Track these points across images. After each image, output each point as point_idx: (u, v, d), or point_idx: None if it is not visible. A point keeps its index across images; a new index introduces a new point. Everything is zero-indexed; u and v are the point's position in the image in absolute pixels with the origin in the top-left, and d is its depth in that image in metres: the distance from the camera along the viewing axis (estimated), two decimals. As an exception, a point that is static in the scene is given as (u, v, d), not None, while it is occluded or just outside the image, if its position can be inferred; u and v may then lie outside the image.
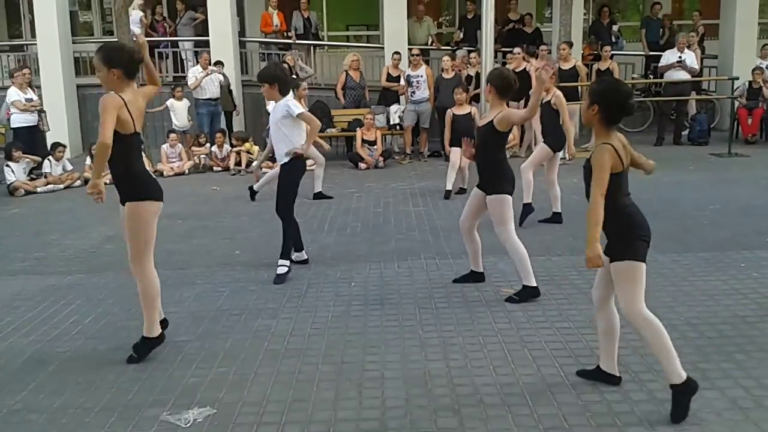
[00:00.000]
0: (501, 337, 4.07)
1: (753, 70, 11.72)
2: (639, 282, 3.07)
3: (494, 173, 4.75)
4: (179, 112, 11.49)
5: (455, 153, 8.33)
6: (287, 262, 5.36)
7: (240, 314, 4.59)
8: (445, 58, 11.19)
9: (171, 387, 3.58)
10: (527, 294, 4.66)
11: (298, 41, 13.09)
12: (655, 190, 7.86)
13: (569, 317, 4.34)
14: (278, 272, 5.28)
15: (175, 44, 13.92)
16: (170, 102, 11.48)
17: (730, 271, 5.08)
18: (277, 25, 13.06)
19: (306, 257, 5.73)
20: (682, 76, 11.66)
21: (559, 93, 6.72)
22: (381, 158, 10.73)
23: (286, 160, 5.35)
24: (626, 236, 3.09)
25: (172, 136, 10.97)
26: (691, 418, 3.06)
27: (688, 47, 11.76)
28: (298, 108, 5.36)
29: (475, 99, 10.87)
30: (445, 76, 11.07)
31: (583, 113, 3.22)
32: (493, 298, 4.73)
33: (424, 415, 3.20)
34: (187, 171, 10.81)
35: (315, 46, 13.73)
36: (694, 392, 3.07)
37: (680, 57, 11.64)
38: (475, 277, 5.11)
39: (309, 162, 9.46)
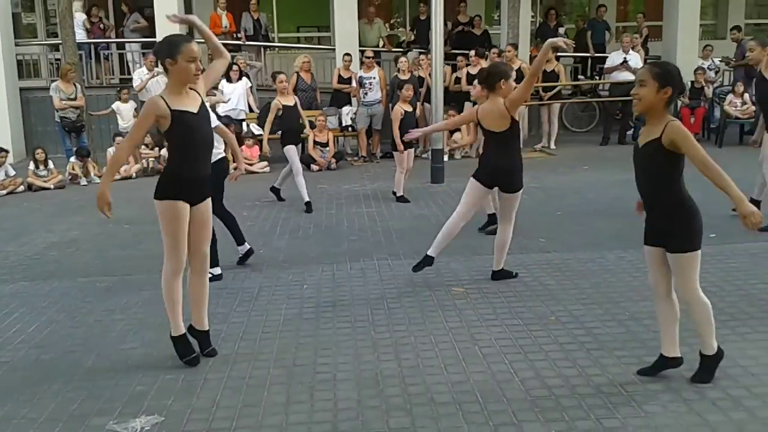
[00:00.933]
0: (452, 335, 4.10)
1: (695, 70, 12.08)
2: (697, 267, 3.25)
3: (515, 168, 4.87)
4: (125, 114, 11.27)
5: (410, 156, 8.33)
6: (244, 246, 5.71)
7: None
8: (403, 59, 11.22)
9: (117, 396, 3.51)
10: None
11: (247, 42, 12.98)
12: (602, 189, 8.04)
13: (518, 314, 4.39)
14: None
15: (121, 46, 13.65)
16: (116, 105, 11.25)
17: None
18: (226, 26, 12.92)
19: (248, 248, 5.73)
20: (627, 77, 11.94)
21: None
22: (333, 160, 10.71)
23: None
24: (687, 227, 3.19)
25: (118, 139, 10.74)
26: (637, 411, 3.14)
27: (633, 48, 12.06)
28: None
29: (426, 100, 10.95)
30: (402, 77, 11.09)
31: (647, 97, 3.15)
32: (446, 298, 4.76)
33: (376, 415, 3.20)
34: (134, 174, 10.60)
35: (265, 47, 13.63)
36: (720, 360, 3.41)
37: (625, 58, 11.92)
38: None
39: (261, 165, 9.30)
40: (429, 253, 5.05)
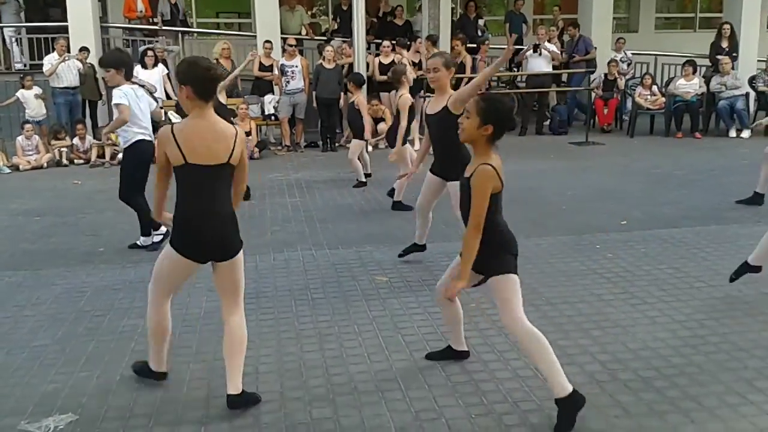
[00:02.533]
0: (376, 324, 4.13)
1: (609, 62, 12.52)
2: (517, 294, 3.02)
3: (456, 159, 4.51)
4: (31, 101, 10.76)
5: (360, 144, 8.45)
6: (148, 239, 5.81)
7: (104, 315, 4.37)
8: (329, 47, 11.15)
9: (29, 394, 3.37)
10: None
11: (165, 28, 12.59)
12: (519, 179, 8.24)
13: (441, 302, 4.46)
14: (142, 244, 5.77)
15: (34, 30, 13.02)
16: (20, 92, 10.72)
17: (587, 253, 5.42)
18: (141, 11, 12.50)
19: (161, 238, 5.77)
20: (544, 68, 12.27)
21: None
22: (256, 149, 10.55)
23: (125, 145, 5.72)
24: (500, 253, 3.05)
25: (27, 126, 10.26)
26: (550, 393, 3.22)
27: (549, 41, 12.38)
28: (117, 98, 5.53)
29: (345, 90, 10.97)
30: (326, 66, 11.02)
31: (468, 130, 2.99)
32: (369, 287, 4.78)
33: (298, 407, 3.19)
34: (45, 164, 10.15)
35: (183, 33, 13.27)
36: (580, 407, 2.96)
37: (537, 43, 12.19)
38: (417, 248, 5.39)
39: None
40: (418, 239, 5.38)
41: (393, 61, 11.18)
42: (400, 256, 5.38)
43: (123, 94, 5.46)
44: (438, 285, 3.44)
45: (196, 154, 2.98)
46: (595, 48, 12.92)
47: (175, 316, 4.27)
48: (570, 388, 2.94)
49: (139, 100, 5.61)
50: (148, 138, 5.61)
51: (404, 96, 7.25)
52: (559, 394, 2.94)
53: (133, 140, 5.60)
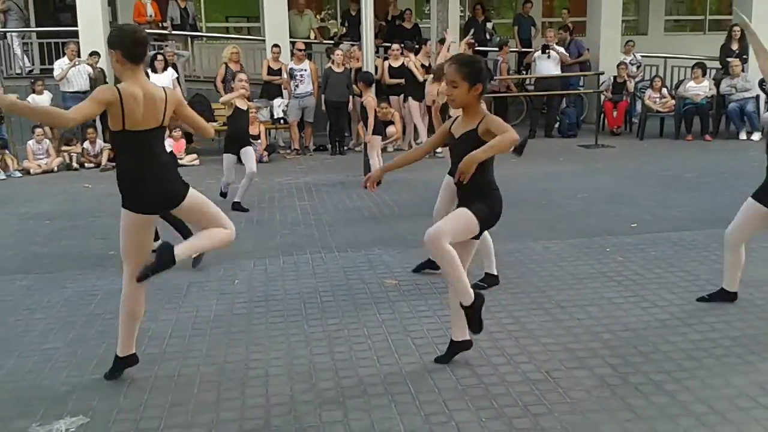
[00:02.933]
0: (385, 327, 4.13)
1: (618, 65, 12.49)
2: (459, 228, 3.25)
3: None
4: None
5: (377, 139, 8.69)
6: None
7: (114, 318, 4.34)
8: (338, 51, 11.17)
9: (40, 397, 3.38)
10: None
11: (174, 32, 12.66)
12: (528, 181, 8.23)
13: (450, 305, 4.45)
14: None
15: (44, 35, 13.12)
16: (31, 97, 10.78)
17: (597, 256, 5.39)
18: (151, 15, 12.58)
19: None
20: (553, 71, 12.25)
21: None
22: (265, 153, 10.58)
23: None
24: (484, 201, 3.31)
25: (38, 131, 10.32)
26: (563, 397, 3.23)
27: (557, 44, 12.36)
28: None
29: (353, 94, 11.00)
30: (336, 69, 11.05)
31: (459, 95, 3.25)
32: (379, 291, 4.78)
33: (308, 410, 3.19)
34: (56, 168, 10.22)
35: (193, 37, 13.34)
36: (481, 305, 3.35)
37: (548, 54, 12.18)
38: (432, 264, 5.02)
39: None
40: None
41: (402, 64, 11.20)
42: (414, 271, 5.16)
43: None
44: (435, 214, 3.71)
45: (133, 121, 3.16)
46: (588, 50, 12.90)
47: (185, 320, 4.33)
48: (473, 296, 3.30)
49: None
50: None
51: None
52: (465, 303, 3.31)
53: None
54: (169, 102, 3.30)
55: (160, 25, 12.71)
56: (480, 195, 3.33)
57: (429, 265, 5.06)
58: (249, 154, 7.38)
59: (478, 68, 3.25)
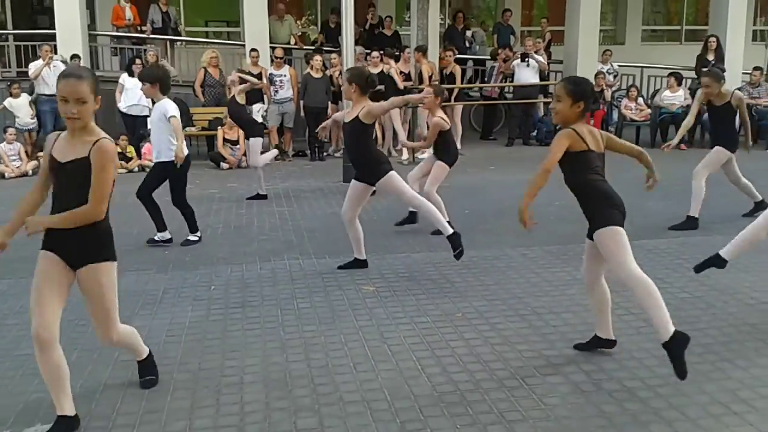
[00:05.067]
0: (362, 334, 4.13)
1: (595, 74, 12.61)
2: (624, 245, 3.34)
3: (371, 161, 5.11)
4: (20, 109, 10.69)
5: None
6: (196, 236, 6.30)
7: (87, 324, 4.30)
8: (317, 57, 11.18)
9: (11, 404, 3.34)
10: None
11: (153, 36, 12.58)
12: (506, 188, 8.27)
13: (427, 312, 4.47)
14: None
15: (21, 38, 12.97)
16: (8, 101, 10.65)
17: (573, 263, 5.42)
18: (129, 19, 12.51)
19: (168, 237, 6.26)
20: (531, 79, 12.34)
21: (739, 94, 6.59)
22: (244, 158, 10.53)
23: (162, 159, 6.06)
24: (600, 207, 3.41)
25: (10, 131, 10.17)
26: (537, 403, 3.25)
27: (536, 52, 12.47)
28: (173, 111, 5.96)
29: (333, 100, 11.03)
30: (314, 75, 11.05)
31: (562, 110, 3.46)
32: (356, 297, 4.78)
33: (283, 417, 3.18)
34: (30, 171, 10.09)
35: (172, 41, 13.26)
36: (686, 344, 3.25)
37: (528, 62, 12.28)
38: (359, 264, 5.36)
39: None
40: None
41: (382, 71, 11.22)
42: (339, 268, 5.38)
43: (175, 107, 5.98)
44: (582, 271, 3.74)
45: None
46: (548, 63, 13.01)
47: (159, 326, 4.29)
48: (672, 329, 3.23)
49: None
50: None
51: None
52: (663, 338, 3.23)
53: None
54: None
55: (139, 28, 12.63)
56: (593, 206, 3.49)
57: (354, 265, 5.32)
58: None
59: (583, 89, 3.48)
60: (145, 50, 11.98)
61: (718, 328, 4.13)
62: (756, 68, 12.24)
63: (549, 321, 4.27)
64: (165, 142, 5.99)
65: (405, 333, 4.13)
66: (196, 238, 6.28)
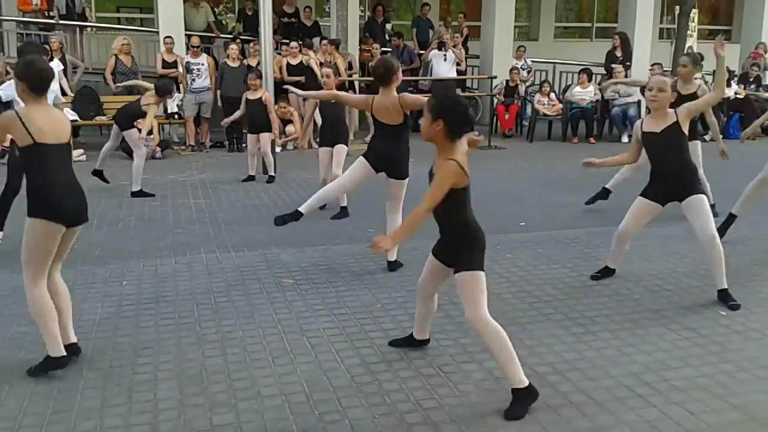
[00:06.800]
0: (281, 327, 4.10)
1: (510, 70, 12.94)
2: (483, 290, 3.20)
3: (402, 157, 5.14)
4: None
5: (249, 140, 8.67)
6: None
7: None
8: (233, 46, 10.97)
9: None
10: None
11: (62, 22, 12.03)
12: (425, 181, 8.37)
13: (346, 303, 4.48)
14: None
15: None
16: None
17: (489, 253, 5.42)
18: (36, 4, 11.93)
19: None
20: (449, 73, 12.53)
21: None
22: (158, 149, 10.23)
23: None
24: (468, 249, 3.22)
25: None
26: (453, 391, 3.32)
27: (453, 47, 12.67)
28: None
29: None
30: (231, 64, 10.85)
31: (424, 127, 3.16)
32: (275, 290, 4.74)
33: (198, 413, 3.13)
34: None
35: (81, 27, 12.71)
36: (534, 399, 3.15)
37: (445, 55, 12.45)
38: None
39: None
40: (300, 209, 5.05)
41: (301, 62, 11.13)
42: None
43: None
44: (420, 282, 3.63)
45: (43, 135, 3.33)
46: (420, 58, 13.26)
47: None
48: (526, 381, 3.14)
49: None
50: None
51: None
52: (516, 386, 3.14)
53: None
54: None
55: (47, 14, 12.05)
56: (462, 245, 3.29)
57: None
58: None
59: (444, 107, 3.16)
60: (52, 36, 11.45)
61: (623, 314, 4.34)
62: (654, 64, 12.84)
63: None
64: None
65: (324, 325, 4.14)
66: None
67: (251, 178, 8.61)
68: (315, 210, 6.68)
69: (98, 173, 8.03)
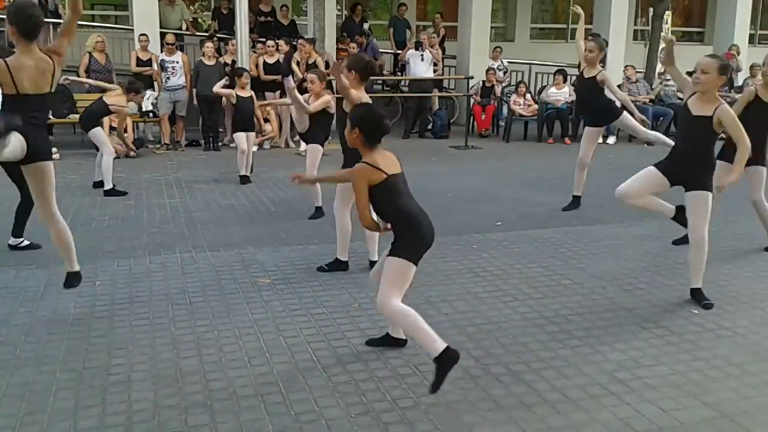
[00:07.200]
0: (257, 327, 4.08)
1: (486, 70, 13.00)
2: (406, 281, 3.38)
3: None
4: None
5: (240, 138, 8.42)
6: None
7: None
8: (208, 44, 10.89)
9: None
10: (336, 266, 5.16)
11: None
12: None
13: (323, 303, 4.48)
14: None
15: None
16: None
17: (465, 252, 5.60)
18: (9, 1, 11.70)
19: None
20: (426, 73, 12.56)
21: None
22: (133, 147, 10.13)
23: None
24: (405, 237, 3.42)
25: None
26: (424, 390, 3.32)
27: (431, 46, 12.70)
28: None
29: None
30: (207, 62, 10.77)
31: (347, 137, 3.47)
32: (252, 290, 4.72)
33: (173, 414, 3.10)
34: None
35: (54, 24, 12.52)
36: (455, 360, 3.22)
37: (422, 55, 12.49)
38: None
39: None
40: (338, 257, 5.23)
41: (278, 60, 11.09)
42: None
43: None
44: (372, 275, 3.70)
45: (24, 87, 3.76)
46: (382, 55, 13.36)
47: (40, 324, 4.08)
48: (442, 346, 3.21)
49: None
50: None
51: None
52: (433, 355, 3.23)
53: None
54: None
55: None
56: (398, 233, 3.46)
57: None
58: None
59: (360, 117, 3.46)
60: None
61: (597, 312, 4.38)
62: (628, 66, 13.00)
63: (441, 309, 4.38)
64: None
65: (301, 325, 4.13)
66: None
67: (246, 178, 8.35)
68: (294, 209, 6.72)
69: (102, 186, 7.73)
